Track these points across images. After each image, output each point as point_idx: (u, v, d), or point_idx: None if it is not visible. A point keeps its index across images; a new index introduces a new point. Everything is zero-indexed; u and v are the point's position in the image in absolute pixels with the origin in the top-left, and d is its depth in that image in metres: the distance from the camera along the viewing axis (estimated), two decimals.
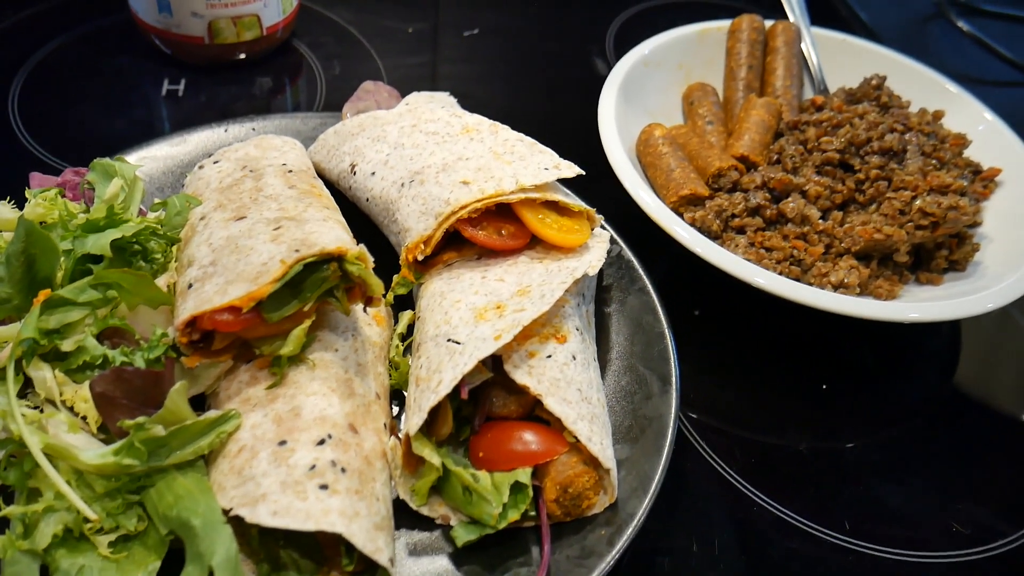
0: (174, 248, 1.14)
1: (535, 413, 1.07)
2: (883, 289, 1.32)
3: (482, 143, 1.26)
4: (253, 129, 1.42)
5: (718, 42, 1.65)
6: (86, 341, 0.98)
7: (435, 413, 1.03)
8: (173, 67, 1.69)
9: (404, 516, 1.02)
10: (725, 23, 1.65)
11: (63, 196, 1.15)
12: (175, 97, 1.64)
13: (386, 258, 1.24)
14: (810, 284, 1.29)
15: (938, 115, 1.52)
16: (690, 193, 1.35)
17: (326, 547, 0.94)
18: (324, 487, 0.90)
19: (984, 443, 1.29)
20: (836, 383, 1.33)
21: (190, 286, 1.01)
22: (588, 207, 1.23)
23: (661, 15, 2.03)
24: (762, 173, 1.38)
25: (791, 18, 1.69)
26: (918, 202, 1.31)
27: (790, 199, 1.35)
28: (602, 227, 1.28)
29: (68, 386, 0.98)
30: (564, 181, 1.27)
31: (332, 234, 1.04)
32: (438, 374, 1.01)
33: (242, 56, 1.69)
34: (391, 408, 1.11)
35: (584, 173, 1.21)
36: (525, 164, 1.21)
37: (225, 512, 0.89)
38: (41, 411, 0.96)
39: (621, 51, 1.58)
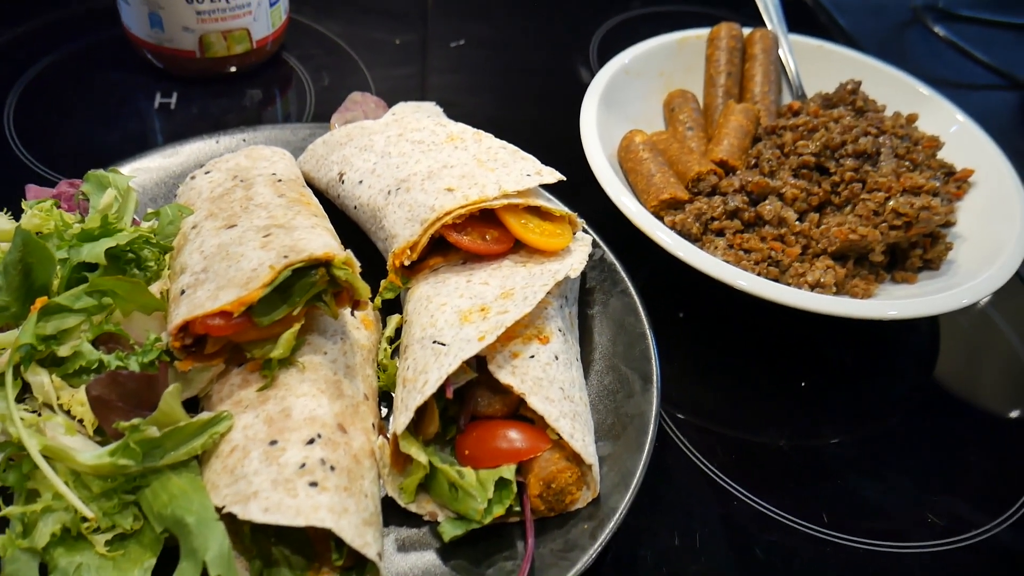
0: (167, 256, 1.17)
1: (519, 412, 1.10)
2: (859, 288, 1.36)
3: (466, 151, 1.30)
4: (244, 140, 1.45)
5: (698, 50, 1.69)
6: (82, 346, 1.01)
7: (422, 413, 1.06)
8: (165, 81, 1.72)
9: (393, 513, 1.05)
10: (704, 31, 1.69)
11: (58, 207, 1.18)
12: (167, 110, 1.68)
13: (374, 264, 1.28)
14: (788, 284, 1.33)
15: (912, 118, 1.56)
16: (670, 197, 1.38)
17: (316, 543, 0.97)
18: (314, 484, 0.93)
19: (959, 438, 1.33)
20: (815, 381, 1.36)
21: (183, 292, 1.04)
22: (570, 211, 1.26)
23: (643, 24, 2.07)
24: (740, 177, 1.42)
25: (769, 26, 1.73)
26: (892, 203, 1.34)
27: (767, 202, 1.38)
28: (585, 231, 1.31)
29: (65, 390, 1.01)
30: (548, 187, 1.31)
31: (320, 240, 1.08)
32: (424, 375, 1.05)
33: (233, 69, 1.73)
34: (380, 409, 1.14)
35: (565, 179, 1.25)
36: (508, 171, 1.24)
37: (218, 510, 0.92)
38: (39, 415, 0.99)
39: (604, 60, 1.62)
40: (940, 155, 1.54)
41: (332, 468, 0.96)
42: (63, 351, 1.01)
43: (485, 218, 1.23)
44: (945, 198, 1.42)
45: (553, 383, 1.08)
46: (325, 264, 1.05)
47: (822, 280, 1.31)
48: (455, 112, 1.47)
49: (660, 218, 1.38)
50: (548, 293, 1.18)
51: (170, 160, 1.41)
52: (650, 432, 1.11)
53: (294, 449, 0.96)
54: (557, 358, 1.12)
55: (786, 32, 1.71)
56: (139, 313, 1.09)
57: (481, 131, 1.35)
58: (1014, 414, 1.38)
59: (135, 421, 0.93)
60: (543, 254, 1.23)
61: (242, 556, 0.96)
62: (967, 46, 2.11)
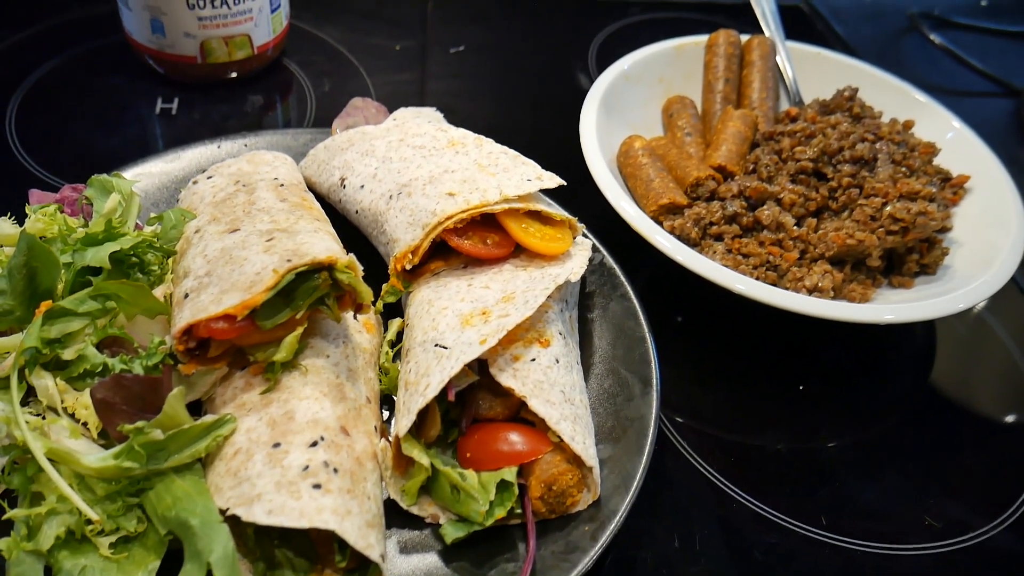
0: (170, 260, 1.18)
1: (520, 415, 1.11)
2: (856, 292, 1.37)
3: (467, 156, 1.31)
4: (245, 145, 1.46)
5: (696, 56, 1.71)
6: (86, 350, 1.02)
7: (424, 415, 1.07)
8: (166, 86, 1.73)
9: (395, 516, 1.06)
10: (703, 38, 1.71)
11: (62, 211, 1.19)
12: (169, 115, 1.69)
13: (375, 268, 1.28)
14: (786, 288, 1.34)
15: (908, 124, 1.57)
16: (669, 202, 1.40)
17: (319, 545, 0.98)
18: (317, 486, 0.94)
19: (956, 441, 1.34)
20: (813, 385, 1.37)
21: (186, 296, 1.05)
22: (570, 216, 1.27)
23: (642, 30, 2.09)
24: (739, 182, 1.43)
25: (767, 33, 1.75)
26: (888, 208, 1.36)
27: (765, 207, 1.39)
28: (584, 235, 1.32)
29: (69, 393, 1.01)
30: (548, 191, 1.32)
31: (323, 244, 1.08)
32: (426, 378, 1.05)
33: (234, 75, 1.74)
34: (381, 412, 1.15)
35: (565, 184, 1.26)
36: (509, 175, 1.25)
37: (222, 512, 0.93)
38: (43, 418, 0.99)
39: (603, 66, 1.63)
40: (936, 161, 1.55)
41: (335, 470, 0.96)
42: (67, 354, 1.02)
43: (486, 222, 1.23)
44: (941, 204, 1.43)
45: (554, 386, 1.09)
46: (328, 268, 1.06)
47: (820, 284, 1.32)
48: (455, 118, 1.48)
49: (659, 223, 1.39)
50: (549, 297, 1.19)
51: (172, 165, 1.42)
52: (650, 435, 1.12)
53: (297, 452, 0.97)
54: (558, 361, 1.12)
55: (783, 39, 1.73)
56: (143, 317, 1.10)
57: (482, 136, 1.36)
58: (1010, 417, 1.39)
59: (139, 424, 0.94)
60: (543, 258, 1.24)
61: (245, 558, 0.97)
62: (963, 53, 2.13)
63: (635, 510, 1.07)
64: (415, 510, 1.06)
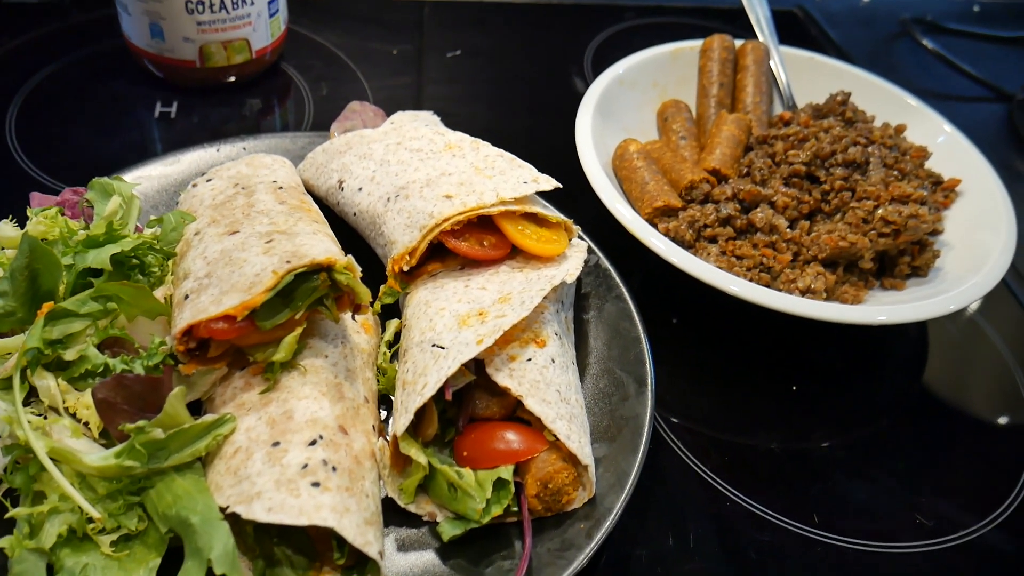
0: (170, 262, 1.19)
1: (516, 414, 1.12)
2: (849, 294, 1.38)
3: (464, 159, 1.32)
4: (244, 148, 1.47)
5: (691, 61, 1.72)
6: (88, 351, 1.03)
7: (421, 415, 1.08)
8: (165, 90, 1.74)
9: (393, 514, 1.07)
10: (697, 43, 1.72)
11: (63, 214, 1.20)
12: (168, 119, 1.70)
13: (373, 269, 1.29)
14: (779, 290, 1.35)
15: (900, 128, 1.59)
16: (664, 205, 1.41)
17: (318, 543, 0.99)
18: (316, 484, 0.95)
19: (947, 440, 1.35)
20: (806, 385, 1.39)
21: (186, 297, 1.06)
22: (566, 218, 1.29)
23: (637, 35, 2.11)
24: (732, 185, 1.44)
25: (760, 38, 1.76)
26: (880, 211, 1.37)
27: (759, 209, 1.41)
28: (580, 238, 1.34)
29: (71, 394, 1.02)
30: (544, 194, 1.34)
31: (321, 246, 1.10)
32: (423, 377, 1.07)
33: (232, 79, 1.75)
34: (379, 412, 1.16)
35: (561, 186, 1.28)
36: (505, 178, 1.27)
37: (222, 510, 0.94)
38: (45, 418, 1.00)
39: (599, 70, 1.65)
40: (928, 165, 1.57)
41: (334, 469, 0.98)
42: (69, 355, 1.03)
43: (483, 224, 1.25)
44: (932, 207, 1.45)
45: (550, 385, 1.10)
46: (327, 269, 1.07)
47: (812, 286, 1.34)
48: (452, 122, 1.50)
49: (654, 225, 1.41)
50: (544, 298, 1.20)
51: (172, 168, 1.43)
52: (645, 434, 1.13)
53: (296, 450, 0.98)
54: (554, 361, 1.14)
55: (777, 44, 1.75)
56: (143, 318, 1.11)
57: (479, 140, 1.38)
58: (1001, 418, 1.41)
59: (140, 423, 0.95)
60: (539, 260, 1.25)
61: (245, 556, 0.98)
62: (955, 58, 2.15)
63: (630, 508, 1.08)
64: (413, 508, 1.07)
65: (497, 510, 1.04)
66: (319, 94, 1.82)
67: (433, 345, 1.11)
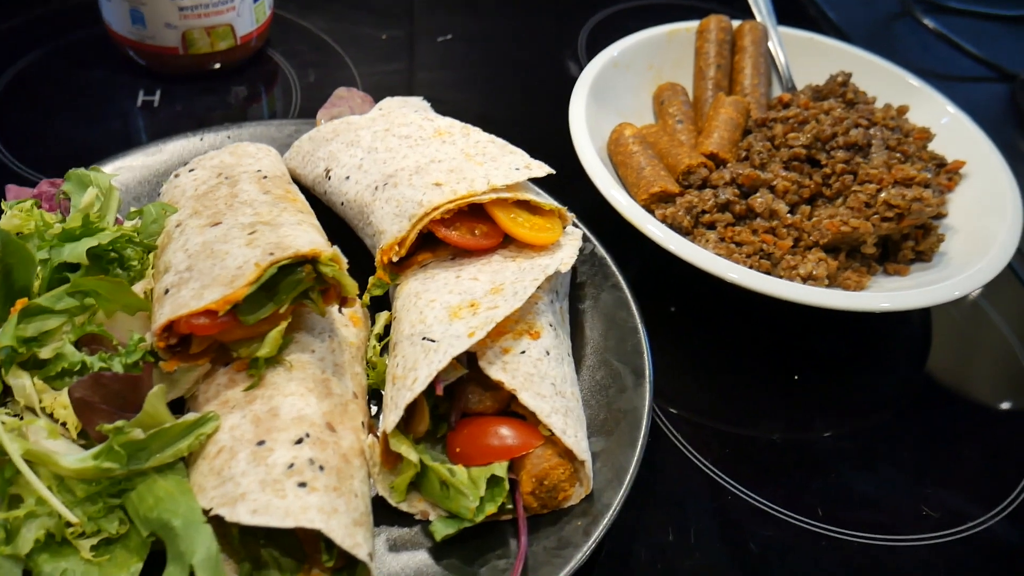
0: (151, 255, 1.15)
1: (511, 408, 1.08)
2: (851, 280, 1.35)
3: (454, 145, 1.28)
4: (228, 137, 1.43)
5: (687, 43, 1.68)
6: (64, 348, 1.00)
7: (412, 410, 1.05)
8: (148, 78, 1.70)
9: (384, 513, 1.03)
10: (693, 24, 1.68)
11: (39, 207, 1.16)
12: (151, 108, 1.65)
13: (362, 260, 1.26)
14: (780, 277, 1.32)
15: (902, 110, 1.55)
16: (661, 190, 1.37)
17: (306, 544, 0.96)
18: (303, 485, 0.92)
19: (953, 430, 1.32)
20: (808, 374, 1.35)
21: (167, 292, 1.03)
22: (560, 206, 1.25)
23: (632, 17, 2.06)
24: (731, 170, 1.41)
25: (758, 18, 1.72)
26: (883, 195, 1.34)
27: (758, 194, 1.37)
28: (575, 225, 1.30)
29: (47, 393, 0.99)
30: (538, 181, 1.30)
31: (306, 237, 1.06)
32: (413, 372, 1.03)
33: (217, 66, 1.71)
34: (369, 407, 1.13)
35: (554, 172, 1.24)
36: (496, 165, 1.23)
37: (205, 512, 0.91)
38: (21, 418, 0.97)
39: (593, 54, 1.60)
40: (931, 147, 1.53)
41: (321, 468, 0.94)
42: (45, 353, 0.99)
43: (474, 213, 1.21)
44: (936, 190, 1.41)
45: (544, 379, 1.07)
46: (312, 261, 1.04)
47: (814, 272, 1.30)
48: (444, 108, 1.46)
49: (650, 211, 1.37)
50: (538, 288, 1.16)
51: (153, 158, 1.39)
52: (643, 427, 1.10)
53: (282, 449, 0.95)
54: (548, 353, 1.10)
55: (775, 24, 1.70)
56: (123, 314, 1.07)
57: (469, 125, 1.34)
58: (1007, 406, 1.38)
59: (119, 423, 0.91)
60: (533, 249, 1.22)
61: (231, 559, 0.95)
62: (956, 38, 2.10)
63: (629, 503, 1.05)
64: (404, 507, 1.03)
65: (491, 508, 1.00)
66: (306, 81, 1.77)
67: (423, 338, 1.07)
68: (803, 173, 1.41)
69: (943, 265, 1.39)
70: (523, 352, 1.08)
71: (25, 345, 0.98)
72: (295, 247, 1.02)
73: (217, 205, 1.17)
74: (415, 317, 1.12)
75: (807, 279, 1.31)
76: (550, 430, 1.03)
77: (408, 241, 1.19)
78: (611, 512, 1.02)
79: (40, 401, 0.98)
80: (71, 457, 0.92)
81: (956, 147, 1.52)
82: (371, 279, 1.22)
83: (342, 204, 1.31)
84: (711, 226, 1.38)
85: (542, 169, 1.24)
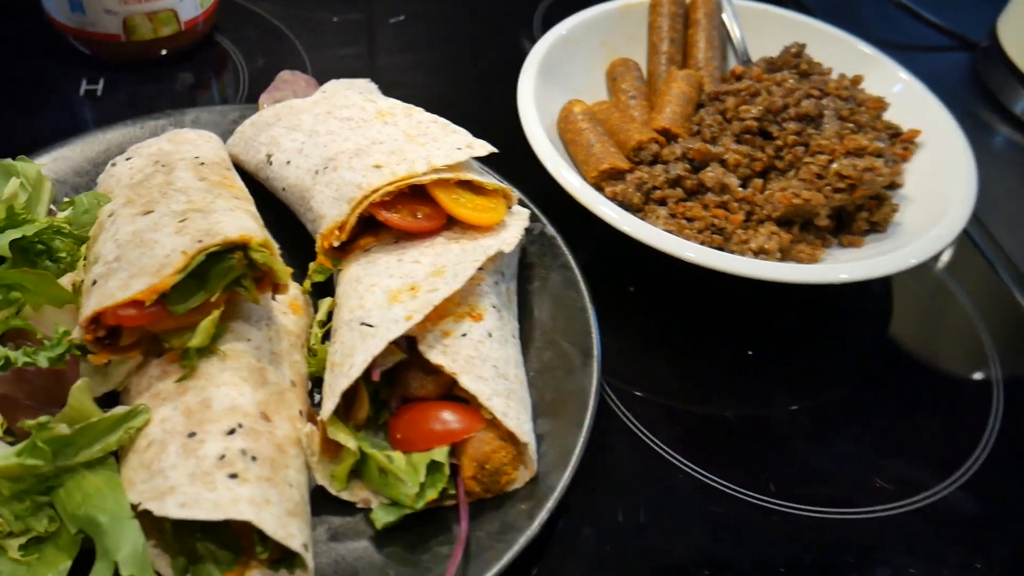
0: (83, 247, 1.12)
1: (454, 392, 1.06)
2: (804, 253, 1.33)
3: (396, 126, 1.25)
4: (169, 124, 1.40)
5: (641, 18, 1.65)
6: None
7: (352, 397, 1.03)
8: (92, 67, 1.66)
9: (326, 502, 1.02)
10: None
11: None
12: (94, 97, 1.62)
13: (307, 247, 1.24)
14: (732, 252, 1.30)
15: (857, 80, 1.53)
16: (610, 167, 1.35)
17: (242, 537, 0.94)
18: (234, 476, 0.90)
19: (910, 403, 1.31)
20: (763, 349, 1.34)
21: (95, 283, 1.00)
22: (504, 185, 1.23)
23: None
24: (682, 144, 1.38)
25: None
26: (835, 165, 1.32)
27: (709, 168, 1.35)
28: (524, 204, 1.28)
29: None
30: (493, 163, 1.27)
31: (237, 223, 1.03)
32: (351, 358, 1.01)
33: (164, 52, 1.67)
34: (309, 396, 1.11)
35: (497, 151, 1.21)
36: (438, 145, 1.21)
37: (134, 507, 0.89)
38: None
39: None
40: (887, 116, 1.51)
41: (253, 458, 0.92)
42: None
43: (416, 195, 1.18)
44: (890, 159, 1.39)
45: (486, 361, 1.05)
46: (243, 247, 1.01)
47: (766, 246, 1.29)
48: (405, 91, 1.41)
49: (600, 189, 1.35)
50: (481, 269, 1.15)
51: (92, 148, 1.36)
52: (590, 408, 1.08)
53: (213, 441, 0.92)
54: (491, 335, 1.08)
55: None
56: (51, 308, 1.04)
57: (412, 106, 1.31)
58: (963, 377, 1.37)
59: (42, 419, 0.89)
60: (477, 230, 1.19)
61: (165, 553, 0.93)
62: (918, 8, 2.08)
63: (578, 485, 1.04)
64: (345, 495, 1.02)
65: (432, 494, 0.98)
66: (255, 67, 1.74)
67: (361, 323, 1.05)
68: (755, 146, 1.39)
69: (898, 235, 1.38)
70: (464, 335, 1.06)
71: None
72: (224, 234, 1.00)
73: (151, 193, 1.14)
74: (355, 302, 1.10)
75: (759, 253, 1.29)
76: (492, 413, 1.01)
77: (348, 225, 1.16)
78: (555, 494, 1.00)
79: None
80: None
81: (911, 115, 1.51)
82: (312, 265, 1.20)
83: (283, 189, 1.29)
84: (662, 202, 1.36)
85: (484, 148, 1.21)
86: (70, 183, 1.32)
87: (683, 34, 1.63)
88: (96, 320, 0.97)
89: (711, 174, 1.34)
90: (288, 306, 1.16)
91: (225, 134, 1.39)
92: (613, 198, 1.33)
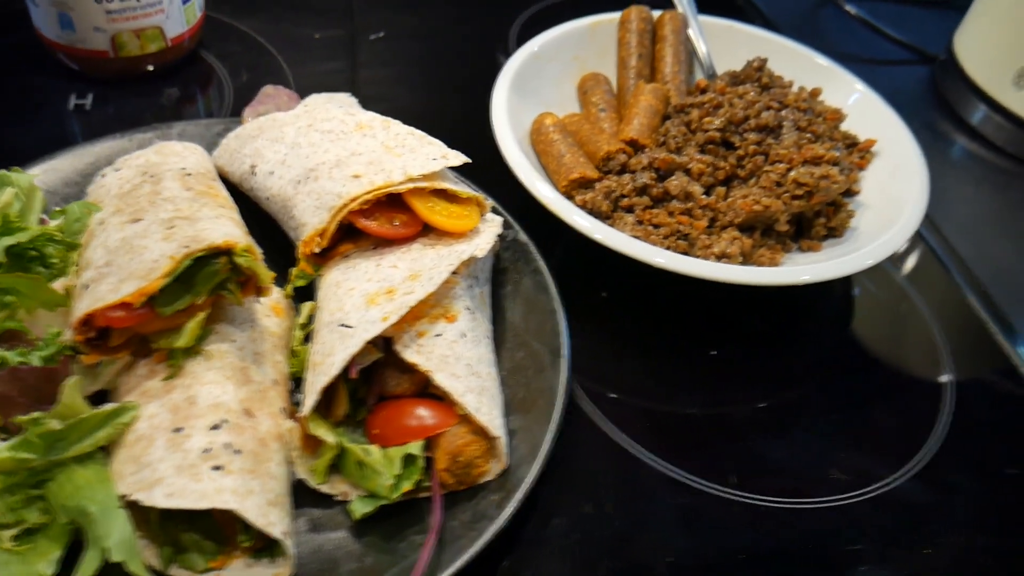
0: (74, 253, 1.17)
1: (428, 390, 1.12)
2: (765, 257, 1.40)
3: (374, 138, 1.31)
4: (157, 137, 1.45)
5: (610, 33, 1.72)
6: None
7: (332, 395, 1.08)
8: (80, 82, 1.71)
9: (307, 495, 1.07)
10: (616, 15, 1.72)
11: None
12: (83, 111, 1.67)
13: (290, 253, 1.29)
14: (696, 256, 1.36)
15: (815, 92, 1.60)
16: (580, 176, 1.41)
17: (226, 527, 0.99)
18: (218, 468, 0.95)
19: (867, 399, 1.37)
20: (728, 349, 1.40)
21: (86, 287, 1.05)
22: (478, 193, 1.29)
23: (565, 9, 2.05)
24: (648, 154, 1.45)
25: (679, 8, 1.76)
26: (793, 174, 1.38)
27: (674, 177, 1.42)
28: (498, 212, 1.34)
29: None
30: (470, 173, 1.33)
31: (222, 230, 1.09)
32: (330, 357, 1.06)
33: (151, 68, 1.72)
34: (291, 394, 1.16)
35: (471, 161, 1.27)
36: (415, 156, 1.26)
37: (123, 498, 0.93)
38: None
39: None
40: (845, 126, 1.58)
41: (237, 452, 0.97)
42: None
43: (393, 203, 1.24)
44: (847, 167, 1.46)
45: (459, 360, 1.10)
46: (227, 252, 1.07)
47: (728, 251, 1.35)
48: (387, 105, 1.47)
49: (571, 198, 1.41)
50: (456, 273, 1.20)
51: (82, 160, 1.41)
52: (558, 403, 1.14)
53: (199, 435, 0.98)
54: (464, 335, 1.14)
55: (695, 13, 1.75)
56: (44, 310, 1.09)
57: (390, 119, 1.37)
58: (918, 374, 1.43)
59: (35, 415, 0.94)
60: (452, 236, 1.25)
61: (152, 543, 0.97)
62: (878, 23, 2.16)
63: (549, 478, 1.09)
64: (325, 488, 1.07)
65: (407, 486, 1.04)
66: (239, 82, 1.79)
67: (341, 324, 1.10)
68: (718, 156, 1.46)
69: (854, 239, 1.44)
70: (438, 335, 1.12)
71: None
72: (209, 240, 1.05)
73: (140, 203, 1.19)
74: (334, 305, 1.16)
75: (722, 257, 1.35)
76: (464, 409, 1.06)
77: (328, 232, 1.22)
78: (524, 486, 1.05)
79: None
80: None
81: (867, 124, 1.58)
82: (293, 270, 1.26)
83: (267, 199, 1.34)
84: (630, 209, 1.42)
85: (459, 159, 1.27)
86: (60, 193, 1.36)
87: (651, 49, 1.70)
88: (87, 322, 1.02)
89: (676, 182, 1.41)
90: (271, 309, 1.21)
91: (210, 146, 1.44)
92: (583, 206, 1.39)
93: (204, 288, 1.06)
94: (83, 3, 1.56)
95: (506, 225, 1.36)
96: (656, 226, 1.39)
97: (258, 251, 1.08)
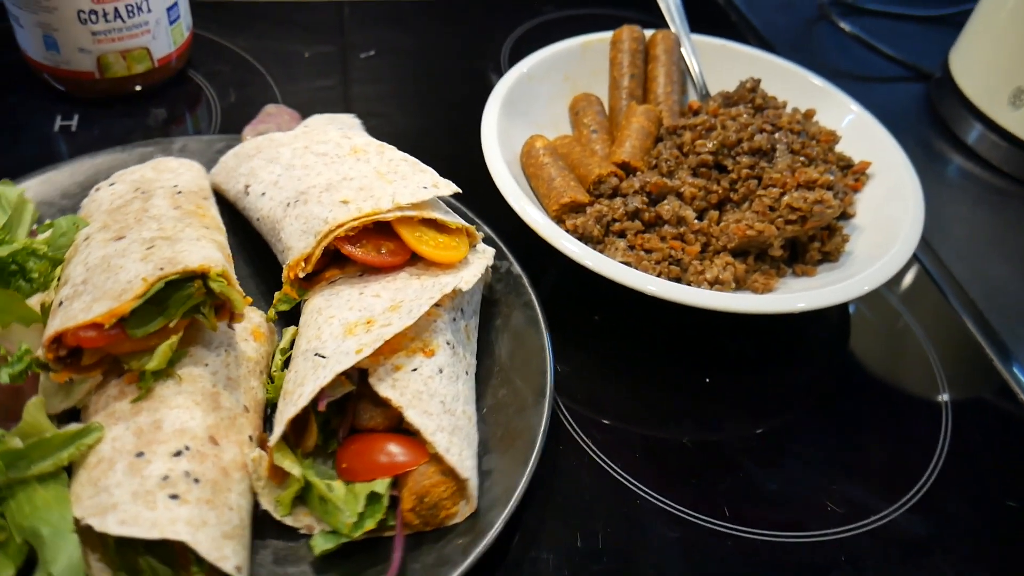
0: (58, 268, 1.15)
1: (402, 426, 1.08)
2: (759, 283, 1.36)
3: (368, 163, 1.28)
4: (158, 152, 1.44)
5: (602, 53, 1.70)
6: None
7: (303, 425, 1.05)
8: (66, 103, 1.69)
9: (273, 527, 1.03)
10: (608, 35, 1.70)
11: None
12: (68, 132, 1.65)
13: (278, 275, 1.25)
14: (689, 282, 1.33)
15: (810, 113, 1.58)
16: (570, 201, 1.38)
17: (181, 556, 0.95)
18: (174, 497, 0.92)
19: (862, 427, 1.33)
20: (720, 377, 1.36)
21: (60, 304, 1.04)
22: (467, 224, 1.24)
23: (556, 28, 2.07)
24: (640, 178, 1.42)
25: (672, 27, 1.74)
26: (786, 198, 1.35)
27: (666, 201, 1.39)
28: (491, 243, 1.30)
29: None
30: (460, 197, 1.30)
31: (200, 253, 1.06)
32: (301, 387, 1.03)
33: (138, 88, 1.71)
34: (263, 422, 1.12)
35: (461, 191, 1.24)
36: (405, 183, 1.23)
37: (78, 522, 0.91)
38: None
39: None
40: (840, 147, 1.55)
41: (196, 480, 0.95)
42: None
43: (382, 230, 1.21)
44: (841, 191, 1.43)
45: (434, 397, 1.06)
46: (202, 276, 1.04)
47: (720, 277, 1.32)
48: (379, 123, 1.45)
49: (561, 222, 1.38)
50: (439, 306, 1.17)
51: (80, 172, 1.40)
52: (536, 447, 1.09)
53: (159, 461, 0.95)
54: (441, 371, 1.10)
55: (688, 32, 1.73)
56: (19, 326, 1.07)
57: (385, 144, 1.34)
58: (914, 401, 1.39)
59: None
60: (439, 267, 1.21)
61: (108, 568, 0.94)
62: (873, 40, 2.14)
63: (537, 510, 1.06)
64: (289, 521, 1.03)
65: (370, 524, 1.00)
66: (227, 101, 1.78)
67: (316, 354, 1.08)
68: (710, 179, 1.43)
69: (849, 264, 1.41)
70: (414, 370, 1.08)
71: None
72: (185, 263, 1.03)
73: (127, 219, 1.17)
74: (312, 333, 1.13)
75: (715, 283, 1.32)
76: (434, 448, 1.02)
77: (313, 258, 1.19)
78: (493, 531, 1.01)
79: None
80: None
81: (862, 146, 1.55)
82: (277, 294, 1.23)
83: (257, 220, 1.32)
84: (621, 234, 1.39)
85: (449, 188, 1.24)
86: (57, 205, 1.36)
87: (643, 69, 1.68)
88: (58, 340, 1.00)
89: (668, 207, 1.38)
90: (250, 333, 1.18)
91: (210, 163, 1.43)
92: (573, 231, 1.36)
93: (177, 311, 1.04)
94: (68, 25, 1.55)
95: (500, 256, 1.33)
96: (648, 251, 1.36)
97: (233, 276, 1.06)
